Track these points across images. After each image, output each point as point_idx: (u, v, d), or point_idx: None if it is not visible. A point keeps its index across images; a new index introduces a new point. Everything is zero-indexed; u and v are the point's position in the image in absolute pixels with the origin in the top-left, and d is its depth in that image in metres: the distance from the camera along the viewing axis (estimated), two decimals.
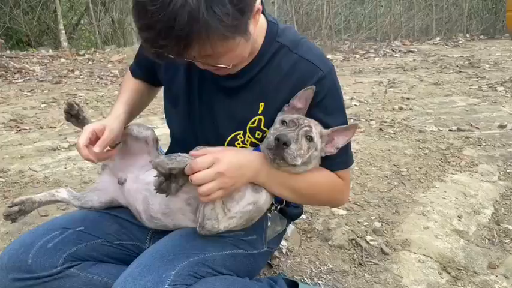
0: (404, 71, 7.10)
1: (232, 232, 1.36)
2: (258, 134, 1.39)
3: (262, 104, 1.36)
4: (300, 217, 1.78)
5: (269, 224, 1.51)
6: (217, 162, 1.18)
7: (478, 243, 2.12)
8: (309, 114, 1.34)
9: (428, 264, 1.94)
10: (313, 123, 1.30)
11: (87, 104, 4.96)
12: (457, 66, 7.26)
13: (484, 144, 3.41)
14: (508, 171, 2.92)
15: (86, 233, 1.42)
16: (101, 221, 1.48)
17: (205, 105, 1.41)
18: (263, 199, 1.32)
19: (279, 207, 1.48)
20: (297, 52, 1.34)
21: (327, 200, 1.52)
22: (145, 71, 1.59)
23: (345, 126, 1.33)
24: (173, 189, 1.22)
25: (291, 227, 2.04)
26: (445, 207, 2.42)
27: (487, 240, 2.15)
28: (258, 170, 1.28)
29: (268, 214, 1.49)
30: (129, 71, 1.66)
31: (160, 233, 1.45)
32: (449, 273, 1.90)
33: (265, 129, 1.37)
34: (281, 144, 1.19)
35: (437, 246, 2.06)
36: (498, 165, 3.01)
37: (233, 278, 1.35)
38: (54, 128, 3.99)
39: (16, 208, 1.51)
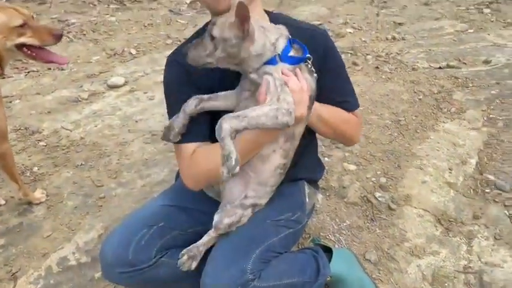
0: None
1: (283, 215, 1.73)
2: None
3: None
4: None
5: (307, 200, 1.89)
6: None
7: (464, 194, 2.58)
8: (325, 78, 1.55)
9: (426, 218, 2.40)
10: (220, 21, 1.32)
11: (84, 35, 4.93)
12: None
13: (470, 85, 3.77)
14: (490, 116, 3.32)
15: (167, 227, 1.74)
16: (174, 215, 1.79)
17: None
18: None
19: None
20: (300, 25, 1.57)
21: (349, 135, 1.80)
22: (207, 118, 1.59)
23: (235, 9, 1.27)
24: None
25: (319, 196, 2.40)
26: (438, 160, 2.85)
27: (471, 191, 2.61)
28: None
29: (307, 190, 1.86)
30: (190, 155, 1.61)
31: None
32: (443, 225, 2.36)
33: None
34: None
35: (433, 200, 2.52)
36: (482, 110, 3.40)
37: (287, 254, 1.75)
38: (62, 69, 4.07)
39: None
